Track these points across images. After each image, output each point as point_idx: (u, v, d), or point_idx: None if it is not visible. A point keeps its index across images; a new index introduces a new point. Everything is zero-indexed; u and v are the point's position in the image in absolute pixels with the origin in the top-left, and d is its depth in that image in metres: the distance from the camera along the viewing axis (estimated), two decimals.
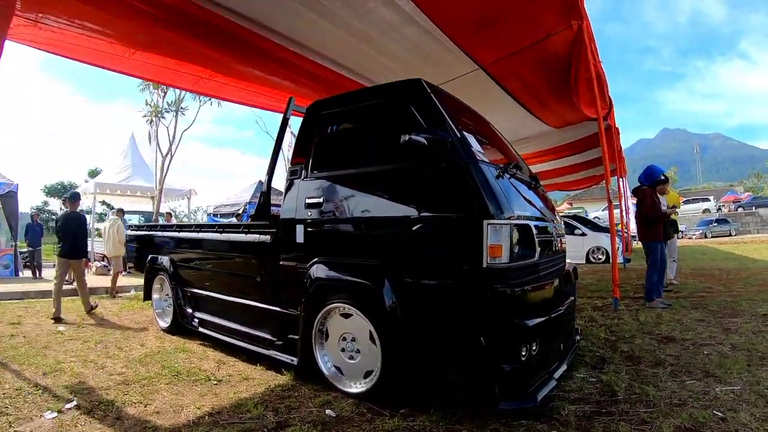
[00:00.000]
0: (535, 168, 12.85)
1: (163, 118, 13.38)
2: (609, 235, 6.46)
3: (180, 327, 5.18)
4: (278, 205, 3.96)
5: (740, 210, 35.44)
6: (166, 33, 5.11)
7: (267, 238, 3.96)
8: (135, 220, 14.73)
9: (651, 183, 6.61)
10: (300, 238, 3.62)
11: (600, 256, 13.67)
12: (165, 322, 5.51)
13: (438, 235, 2.91)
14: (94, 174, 18.23)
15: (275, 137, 4.22)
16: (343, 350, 3.37)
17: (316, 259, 3.46)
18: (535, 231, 3.03)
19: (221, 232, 4.71)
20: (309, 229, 3.58)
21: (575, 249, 13.97)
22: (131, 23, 4.87)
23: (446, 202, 2.92)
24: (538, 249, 3.04)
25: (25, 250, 13.08)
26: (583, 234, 14.14)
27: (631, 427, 2.67)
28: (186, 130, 14.16)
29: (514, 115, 8.26)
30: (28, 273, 12.87)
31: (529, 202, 3.40)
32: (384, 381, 3.08)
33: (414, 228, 2.98)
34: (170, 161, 13.37)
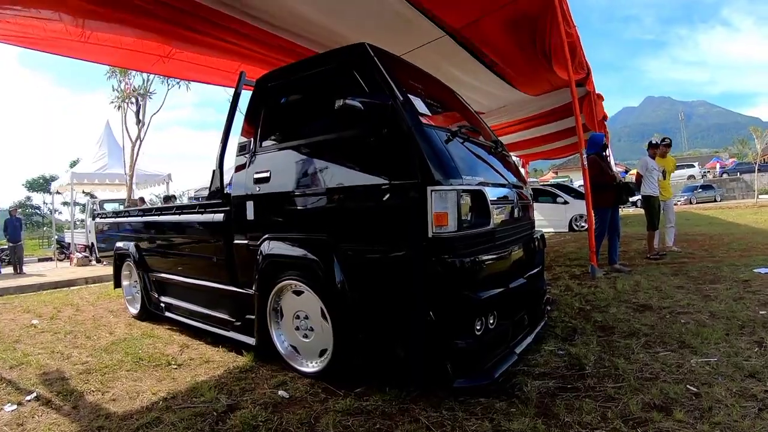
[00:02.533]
0: (515, 136, 12.59)
1: (131, 103, 12.94)
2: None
3: (149, 313, 5.00)
4: None
5: (725, 176, 35.27)
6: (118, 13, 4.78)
7: (220, 216, 3.75)
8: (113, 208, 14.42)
9: (597, 150, 6.57)
10: (251, 215, 3.41)
11: (583, 224, 13.23)
12: (135, 309, 5.31)
13: (384, 205, 2.65)
14: (75, 165, 17.83)
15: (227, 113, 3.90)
16: (297, 329, 3.18)
17: (266, 236, 3.25)
18: (489, 197, 2.75)
19: (179, 214, 4.47)
20: (259, 205, 3.38)
21: (558, 217, 13.79)
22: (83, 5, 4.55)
23: (390, 169, 2.64)
24: (494, 216, 2.76)
25: (5, 246, 12.66)
26: (566, 202, 13.80)
27: (596, 404, 2.41)
28: (155, 114, 13.75)
29: (490, 84, 7.89)
30: (9, 269, 12.43)
31: (487, 167, 3.12)
32: (338, 359, 2.89)
33: (360, 198, 2.76)
34: (140, 146, 13.00)
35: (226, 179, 3.85)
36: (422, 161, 2.49)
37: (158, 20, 5.07)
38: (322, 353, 3.02)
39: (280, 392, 2.82)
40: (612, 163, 12.70)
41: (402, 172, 2.58)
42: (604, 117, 11.06)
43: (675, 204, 27.38)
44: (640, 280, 5.34)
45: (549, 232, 13.48)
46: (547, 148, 15.18)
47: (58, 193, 15.28)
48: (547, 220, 13.91)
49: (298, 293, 3.12)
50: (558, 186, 15.56)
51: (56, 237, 14.97)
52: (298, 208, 3.15)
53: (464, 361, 2.49)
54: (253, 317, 3.39)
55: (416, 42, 6.00)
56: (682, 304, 4.20)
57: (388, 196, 2.62)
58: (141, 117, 13.02)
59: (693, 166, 38.78)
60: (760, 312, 3.80)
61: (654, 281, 5.28)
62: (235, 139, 3.72)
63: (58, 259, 13.54)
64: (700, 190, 29.28)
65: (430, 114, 2.92)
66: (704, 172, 38.47)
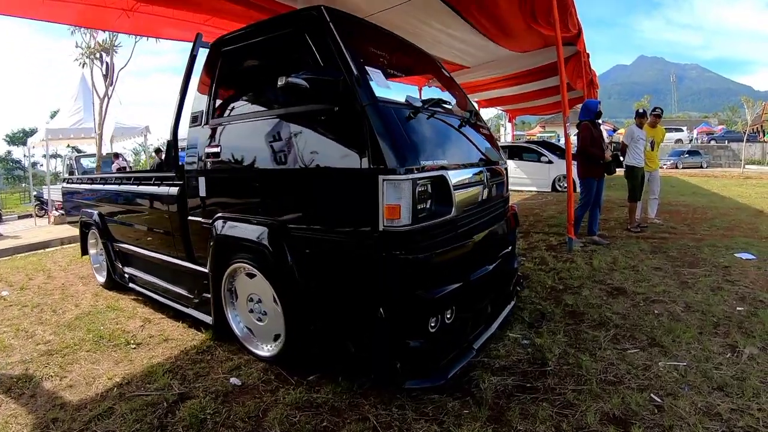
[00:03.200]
0: (502, 91, 12.15)
1: (97, 59, 12.31)
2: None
3: (115, 282, 4.80)
4: None
5: (713, 143, 34.93)
6: None
7: (175, 190, 3.47)
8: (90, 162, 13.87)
9: (590, 117, 6.13)
10: (203, 191, 3.16)
11: (566, 185, 13.05)
12: (102, 278, 5.10)
13: (334, 192, 2.40)
14: (56, 115, 16.94)
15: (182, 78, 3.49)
16: (251, 311, 3.01)
17: (218, 215, 3.01)
18: (453, 182, 2.47)
19: (137, 185, 4.16)
20: (210, 182, 3.11)
21: (541, 177, 13.42)
22: None
23: (341, 152, 2.36)
24: (457, 202, 2.49)
25: None
26: (550, 162, 13.30)
27: (553, 410, 2.24)
28: (122, 68, 12.93)
29: (476, 40, 7.38)
30: None
31: (454, 145, 2.83)
32: (291, 345, 2.71)
33: (310, 183, 2.50)
34: (108, 103, 12.37)
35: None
36: (375, 144, 2.19)
37: None
38: (276, 337, 2.86)
39: (233, 379, 2.69)
40: (603, 131, 12.25)
41: (353, 156, 2.29)
42: (593, 79, 10.64)
43: (661, 167, 26.84)
44: (618, 257, 5.14)
45: (531, 191, 13.22)
46: (535, 104, 14.70)
47: (34, 147, 14.75)
48: (530, 178, 13.61)
49: (251, 276, 2.91)
50: (543, 144, 15.02)
51: (35, 193, 14.42)
52: (250, 188, 2.89)
53: (416, 360, 2.29)
54: (208, 296, 3.20)
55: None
56: (658, 291, 3.98)
57: (338, 181, 2.36)
58: (107, 72, 12.29)
59: (681, 130, 38.20)
60: (737, 308, 3.54)
61: (631, 259, 5.08)
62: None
63: (37, 215, 13.10)
64: (687, 155, 28.93)
65: (391, 87, 2.60)
66: (692, 137, 37.97)
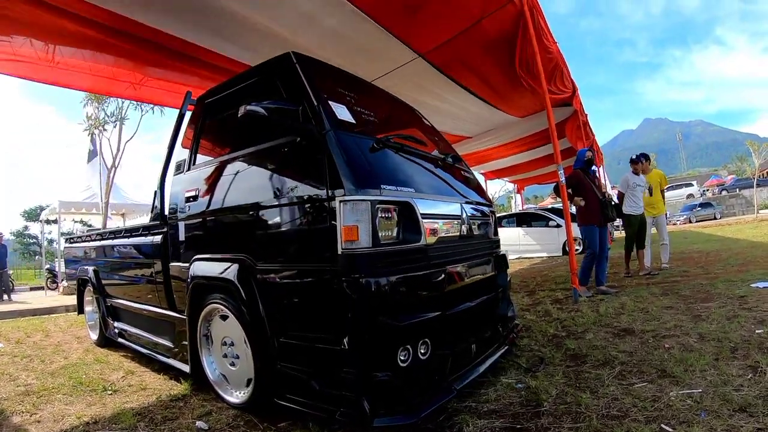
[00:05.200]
0: (508, 160, 12.17)
1: (104, 130, 12.73)
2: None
3: (107, 339, 4.66)
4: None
5: (724, 193, 34.39)
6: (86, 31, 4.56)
7: (159, 238, 3.47)
8: None
9: (581, 166, 6.08)
10: (182, 235, 3.14)
11: (577, 247, 12.70)
12: (95, 335, 4.99)
13: (298, 220, 2.34)
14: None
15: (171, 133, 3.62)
16: (225, 356, 2.85)
17: (195, 257, 2.94)
18: (421, 210, 2.37)
19: (128, 237, 4.14)
20: (189, 226, 3.10)
21: (551, 241, 13.15)
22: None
23: (302, 181, 2.34)
24: (427, 232, 2.38)
25: None
26: (558, 225, 13.06)
27: None
28: (129, 140, 13.19)
29: (473, 107, 7.49)
30: None
31: (427, 179, 2.77)
32: (261, 390, 2.51)
33: (274, 215, 2.46)
34: (114, 173, 12.66)
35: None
36: (333, 169, 2.15)
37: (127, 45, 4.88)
38: (248, 382, 2.65)
39: (199, 423, 2.55)
40: (608, 185, 12.00)
41: (314, 183, 2.26)
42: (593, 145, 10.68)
43: (674, 224, 25.82)
44: (626, 302, 4.77)
45: (542, 257, 12.91)
46: (542, 172, 14.75)
47: (48, 222, 15.01)
48: (540, 244, 13.32)
49: (225, 318, 2.78)
50: (551, 210, 14.88)
51: (47, 266, 14.52)
52: (222, 226, 2.86)
53: (385, 396, 2.06)
54: (186, 343, 3.08)
55: (389, 66, 5.72)
56: (669, 326, 3.64)
57: (301, 210, 2.32)
58: (117, 143, 12.70)
59: (691, 185, 37.91)
60: (757, 331, 3.25)
61: (641, 302, 4.72)
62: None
63: (49, 288, 13.11)
64: (699, 208, 28.25)
65: (357, 122, 2.58)
66: (703, 190, 37.52)
